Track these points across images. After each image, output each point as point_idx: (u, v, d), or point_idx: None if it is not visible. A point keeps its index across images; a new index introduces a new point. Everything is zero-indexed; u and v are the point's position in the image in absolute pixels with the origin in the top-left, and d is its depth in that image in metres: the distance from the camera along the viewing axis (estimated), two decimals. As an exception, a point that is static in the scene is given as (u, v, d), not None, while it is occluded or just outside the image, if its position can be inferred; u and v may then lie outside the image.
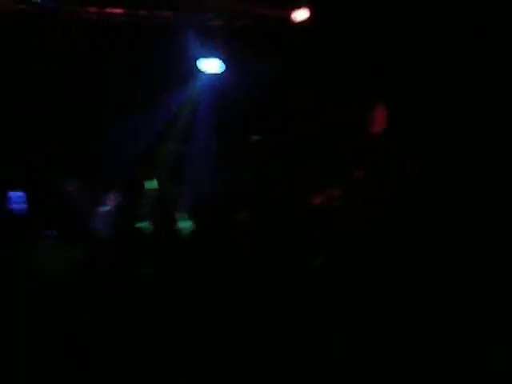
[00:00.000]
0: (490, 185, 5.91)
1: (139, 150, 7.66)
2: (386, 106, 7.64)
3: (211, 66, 7.47)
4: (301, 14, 7.29)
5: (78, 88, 7.34)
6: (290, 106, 7.88)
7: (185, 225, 7.10)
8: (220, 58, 7.49)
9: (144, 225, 7.14)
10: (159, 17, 7.08)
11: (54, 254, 6.06)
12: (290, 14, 7.26)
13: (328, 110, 7.73)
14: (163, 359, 4.73)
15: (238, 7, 7.25)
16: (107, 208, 7.22)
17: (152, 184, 7.67)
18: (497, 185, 5.91)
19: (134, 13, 6.86)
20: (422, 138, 7.11)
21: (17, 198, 7.04)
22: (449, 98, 7.07)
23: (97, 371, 4.62)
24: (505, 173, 6.02)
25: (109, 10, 6.67)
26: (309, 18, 7.31)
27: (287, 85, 7.84)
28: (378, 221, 5.80)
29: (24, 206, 7.00)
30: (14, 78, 7.17)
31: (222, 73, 7.59)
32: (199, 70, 7.53)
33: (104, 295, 5.39)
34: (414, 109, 7.37)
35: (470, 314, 4.61)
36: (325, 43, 7.51)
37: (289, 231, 6.34)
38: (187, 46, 7.32)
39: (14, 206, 7.01)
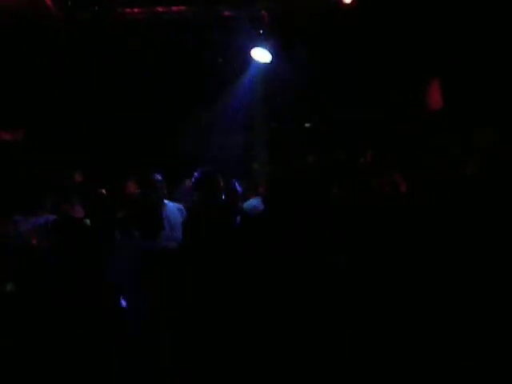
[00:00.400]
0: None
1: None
2: (441, 83, 7.54)
3: (262, 55, 7.43)
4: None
5: (136, 88, 7.42)
6: (341, 90, 7.80)
7: None
8: (269, 48, 7.44)
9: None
10: (210, 11, 7.10)
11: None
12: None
13: (381, 93, 7.65)
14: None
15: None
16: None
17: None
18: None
19: (186, 9, 6.87)
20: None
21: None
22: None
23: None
24: None
25: (159, 8, 6.68)
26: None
27: (337, 69, 7.77)
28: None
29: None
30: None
31: (272, 62, 7.54)
32: (252, 60, 7.49)
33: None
34: (470, 86, 7.25)
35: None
36: (373, 24, 7.42)
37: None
38: (239, 36, 7.31)
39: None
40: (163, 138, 7.84)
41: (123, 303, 4.81)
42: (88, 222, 5.03)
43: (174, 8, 6.65)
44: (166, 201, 5.05)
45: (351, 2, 7.09)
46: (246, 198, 5.98)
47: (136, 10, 6.41)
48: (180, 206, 5.18)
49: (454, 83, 7.35)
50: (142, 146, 7.64)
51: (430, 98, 7.50)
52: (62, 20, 6.10)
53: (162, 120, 7.74)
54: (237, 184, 5.55)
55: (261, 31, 7.35)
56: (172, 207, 5.09)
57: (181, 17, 6.66)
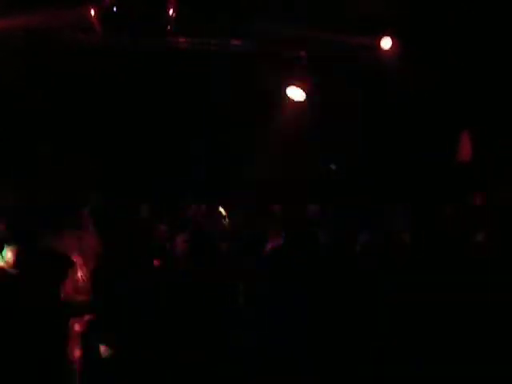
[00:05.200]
0: None
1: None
2: (471, 134, 7.58)
3: (296, 94, 7.49)
4: (386, 43, 7.28)
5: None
6: (374, 136, 7.86)
7: None
8: (302, 88, 7.50)
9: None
10: (243, 47, 7.21)
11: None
12: (377, 42, 7.26)
13: (412, 141, 7.69)
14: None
15: (322, 36, 7.31)
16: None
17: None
18: None
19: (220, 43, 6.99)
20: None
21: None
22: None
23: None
24: None
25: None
26: (393, 47, 7.29)
27: (371, 114, 7.84)
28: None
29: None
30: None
31: (305, 101, 7.59)
32: (286, 98, 7.55)
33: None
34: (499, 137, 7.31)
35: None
36: (409, 72, 7.49)
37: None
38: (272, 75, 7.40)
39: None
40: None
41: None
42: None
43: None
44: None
45: (390, 49, 7.18)
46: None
47: (181, 40, 6.54)
48: None
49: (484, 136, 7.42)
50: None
51: (460, 149, 7.54)
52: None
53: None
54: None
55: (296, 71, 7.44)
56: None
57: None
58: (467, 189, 6.82)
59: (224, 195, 7.52)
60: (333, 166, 8.78)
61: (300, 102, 7.53)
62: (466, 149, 7.54)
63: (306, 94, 7.42)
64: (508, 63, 7.08)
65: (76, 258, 5.32)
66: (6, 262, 4.95)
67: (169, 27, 6.16)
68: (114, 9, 5.62)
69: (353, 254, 5.70)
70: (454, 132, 7.61)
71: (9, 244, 4.99)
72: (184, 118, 7.95)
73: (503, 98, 7.27)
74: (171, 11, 5.93)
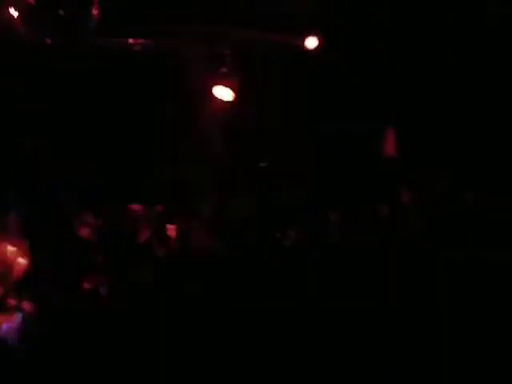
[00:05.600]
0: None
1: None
2: (395, 129, 7.77)
3: (223, 93, 7.45)
4: (311, 42, 7.36)
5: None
6: (300, 133, 7.90)
7: None
8: (230, 87, 7.47)
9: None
10: (171, 45, 7.13)
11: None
12: (301, 41, 7.32)
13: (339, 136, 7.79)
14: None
15: (247, 35, 7.32)
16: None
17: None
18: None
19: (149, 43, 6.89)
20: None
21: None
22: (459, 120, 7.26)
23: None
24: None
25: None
26: (319, 46, 7.38)
27: (296, 112, 7.88)
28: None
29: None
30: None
31: (233, 101, 7.56)
32: (212, 97, 7.49)
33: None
34: (424, 132, 7.52)
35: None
36: (333, 69, 7.61)
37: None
38: (199, 73, 7.33)
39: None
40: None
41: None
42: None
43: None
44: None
45: (315, 48, 7.27)
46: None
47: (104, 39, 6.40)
48: None
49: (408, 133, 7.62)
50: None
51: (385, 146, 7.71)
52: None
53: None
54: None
55: (223, 69, 7.40)
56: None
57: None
58: (395, 186, 7.00)
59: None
60: (263, 164, 8.79)
61: (227, 101, 7.51)
62: (390, 145, 7.71)
63: (234, 92, 7.41)
64: (430, 58, 7.32)
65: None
66: None
67: (91, 27, 5.99)
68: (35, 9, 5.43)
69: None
70: (379, 129, 7.76)
71: None
72: (107, 120, 7.75)
73: (428, 93, 7.49)
74: (94, 11, 5.78)
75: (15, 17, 5.49)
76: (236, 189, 7.83)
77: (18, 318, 4.81)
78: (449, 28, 7.14)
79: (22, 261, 5.43)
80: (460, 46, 7.24)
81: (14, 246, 5.54)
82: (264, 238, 6.66)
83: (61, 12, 5.46)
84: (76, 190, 6.90)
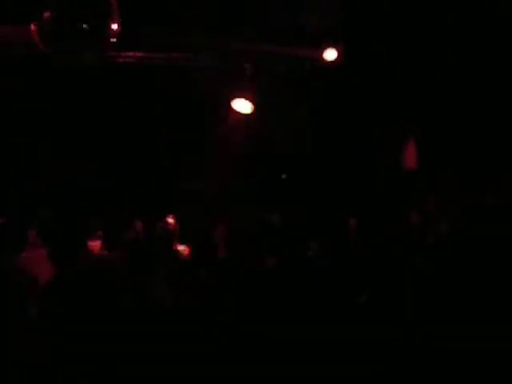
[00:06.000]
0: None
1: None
2: (417, 142, 7.73)
3: (243, 106, 7.48)
4: (330, 54, 7.36)
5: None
6: (321, 146, 7.92)
7: None
8: (250, 100, 7.51)
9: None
10: (192, 59, 7.18)
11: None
12: (320, 54, 7.33)
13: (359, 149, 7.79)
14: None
15: (267, 49, 7.35)
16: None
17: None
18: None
19: (168, 56, 6.95)
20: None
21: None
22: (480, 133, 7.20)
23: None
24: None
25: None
26: (338, 58, 7.37)
27: (316, 123, 7.90)
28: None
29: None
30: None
31: (253, 114, 7.59)
32: (232, 110, 7.54)
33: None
34: (445, 145, 7.47)
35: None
36: (353, 82, 7.61)
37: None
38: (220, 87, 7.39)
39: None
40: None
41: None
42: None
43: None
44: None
45: (335, 60, 7.27)
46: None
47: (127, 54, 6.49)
48: None
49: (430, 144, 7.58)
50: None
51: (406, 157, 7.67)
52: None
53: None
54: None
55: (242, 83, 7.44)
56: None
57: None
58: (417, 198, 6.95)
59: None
60: (283, 176, 8.82)
61: (247, 114, 7.54)
62: (411, 156, 7.67)
63: (254, 106, 7.44)
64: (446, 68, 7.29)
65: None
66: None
67: (112, 41, 6.05)
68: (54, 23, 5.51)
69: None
70: (400, 140, 7.73)
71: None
72: (128, 133, 7.86)
73: (448, 103, 7.45)
74: (115, 25, 5.84)
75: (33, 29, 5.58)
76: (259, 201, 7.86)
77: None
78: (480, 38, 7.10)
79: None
80: (484, 56, 7.20)
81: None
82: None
83: (80, 25, 5.51)
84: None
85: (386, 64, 7.37)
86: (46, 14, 5.63)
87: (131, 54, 6.65)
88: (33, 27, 5.71)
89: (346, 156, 7.77)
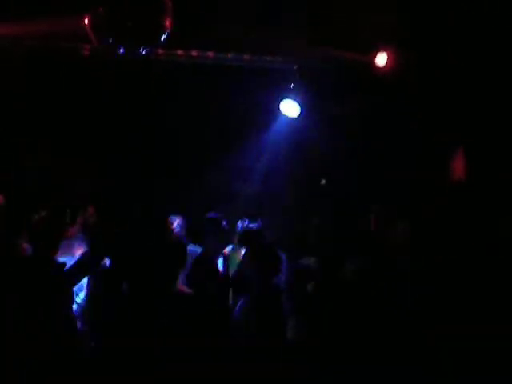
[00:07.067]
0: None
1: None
2: (465, 154, 7.51)
3: (290, 108, 7.39)
4: (382, 59, 7.21)
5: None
6: (366, 151, 7.77)
7: None
8: (298, 102, 7.41)
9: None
10: (239, 60, 7.11)
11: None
12: (372, 58, 7.18)
13: (406, 157, 7.61)
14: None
15: (317, 51, 7.23)
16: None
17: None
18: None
19: (218, 56, 6.89)
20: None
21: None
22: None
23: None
24: None
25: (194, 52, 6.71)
26: (389, 63, 7.21)
27: (364, 129, 7.76)
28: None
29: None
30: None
31: (300, 116, 7.49)
32: (279, 113, 7.45)
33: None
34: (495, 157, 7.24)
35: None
36: (403, 88, 7.44)
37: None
38: (267, 88, 7.30)
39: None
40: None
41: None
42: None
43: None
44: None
45: (385, 66, 7.11)
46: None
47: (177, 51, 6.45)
48: None
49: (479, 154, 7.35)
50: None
51: (454, 167, 7.47)
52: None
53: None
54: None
55: (292, 84, 7.34)
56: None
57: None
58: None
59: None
60: (323, 181, 8.70)
61: (294, 116, 7.45)
62: (460, 167, 7.47)
63: (301, 108, 7.34)
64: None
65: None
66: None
67: (164, 38, 6.00)
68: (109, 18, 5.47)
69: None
70: (448, 149, 7.53)
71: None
72: (177, 131, 7.84)
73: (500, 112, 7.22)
74: (168, 21, 5.78)
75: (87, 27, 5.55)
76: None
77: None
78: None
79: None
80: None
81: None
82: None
83: (134, 21, 5.47)
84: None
85: (443, 70, 7.17)
86: (100, 9, 5.61)
87: (182, 52, 6.63)
88: (86, 20, 5.68)
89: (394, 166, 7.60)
